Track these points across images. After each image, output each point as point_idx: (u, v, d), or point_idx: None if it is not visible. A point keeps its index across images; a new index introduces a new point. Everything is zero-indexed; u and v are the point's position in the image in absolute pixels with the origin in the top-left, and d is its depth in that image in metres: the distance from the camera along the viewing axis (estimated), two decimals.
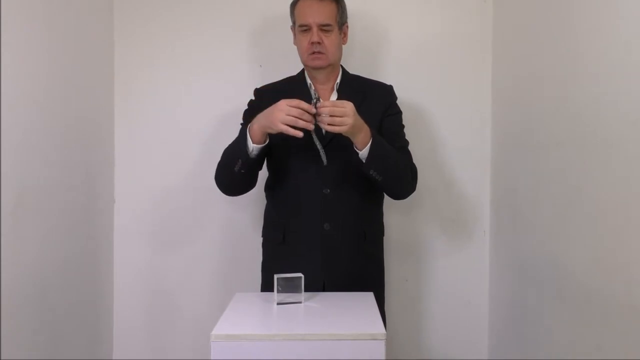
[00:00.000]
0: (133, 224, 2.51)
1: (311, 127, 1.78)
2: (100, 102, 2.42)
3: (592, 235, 1.64)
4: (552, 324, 1.90)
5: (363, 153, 1.86)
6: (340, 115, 1.76)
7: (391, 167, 1.92)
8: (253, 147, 1.87)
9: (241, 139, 1.90)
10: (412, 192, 2.07)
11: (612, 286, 1.53)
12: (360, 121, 1.82)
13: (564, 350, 1.81)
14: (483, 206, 2.53)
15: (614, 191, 1.53)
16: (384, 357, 1.47)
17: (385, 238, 2.18)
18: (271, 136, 1.88)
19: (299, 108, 1.76)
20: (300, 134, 1.77)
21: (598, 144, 1.61)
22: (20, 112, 1.82)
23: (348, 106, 1.78)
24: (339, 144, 1.96)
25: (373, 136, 1.86)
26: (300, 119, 1.76)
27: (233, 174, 1.92)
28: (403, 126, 2.13)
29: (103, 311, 2.46)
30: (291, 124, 1.76)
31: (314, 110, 1.77)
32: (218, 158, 2.02)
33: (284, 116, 1.76)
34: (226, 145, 1.99)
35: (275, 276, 1.73)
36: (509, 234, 2.32)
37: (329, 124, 1.77)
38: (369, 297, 1.81)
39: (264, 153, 1.93)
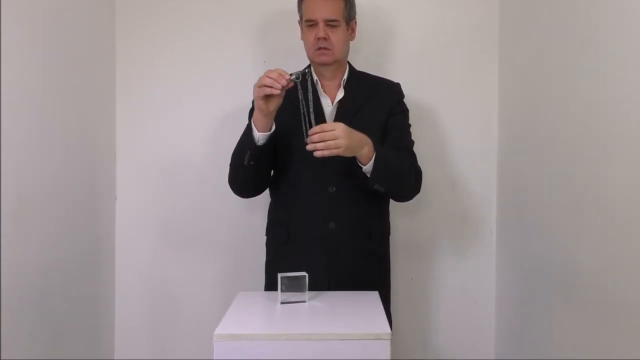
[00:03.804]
0: (135, 222, 2.50)
1: (278, 86, 1.74)
2: (102, 100, 2.41)
3: (600, 234, 1.62)
4: (560, 324, 1.88)
5: (367, 168, 1.84)
6: (331, 138, 1.74)
7: (395, 177, 1.91)
8: (259, 135, 1.85)
9: (247, 130, 1.89)
10: (416, 194, 2.05)
11: (621, 286, 1.51)
12: (358, 138, 1.80)
13: (572, 351, 1.79)
14: (490, 205, 2.51)
15: (622, 189, 1.51)
16: (389, 357, 1.45)
17: (391, 237, 2.16)
18: (276, 133, 1.87)
19: (274, 74, 1.76)
20: (272, 91, 1.75)
21: (606, 141, 1.59)
22: (21, 111, 1.81)
23: (338, 127, 1.76)
24: None
25: (377, 150, 1.84)
26: (271, 78, 1.75)
27: (244, 168, 1.90)
28: (409, 125, 2.10)
29: (104, 310, 2.45)
30: (259, 84, 1.76)
31: (283, 82, 1.75)
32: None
33: (261, 77, 1.77)
34: (232, 145, 1.98)
35: (279, 275, 1.71)
36: (516, 233, 2.30)
37: (323, 149, 1.74)
38: (374, 297, 1.79)
39: (273, 144, 1.90)
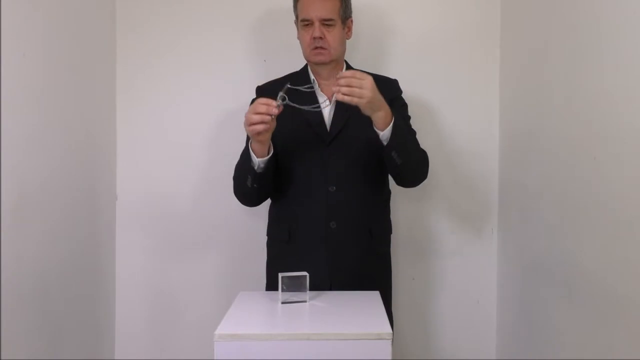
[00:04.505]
0: (135, 221, 2.49)
1: (267, 119, 1.72)
2: (102, 99, 2.40)
3: (602, 233, 1.61)
4: (562, 324, 1.87)
5: (385, 134, 1.81)
6: (357, 86, 1.71)
7: (411, 151, 1.90)
8: (258, 161, 1.84)
9: (246, 155, 1.88)
10: (424, 180, 2.03)
11: (623, 285, 1.50)
12: (381, 99, 1.77)
13: (574, 351, 1.78)
14: (491, 203, 2.50)
15: (625, 187, 1.50)
16: (390, 357, 1.45)
17: (392, 236, 2.15)
18: (275, 138, 1.86)
19: (262, 108, 1.73)
20: (265, 127, 1.73)
21: (608, 139, 1.58)
22: (21, 110, 1.80)
23: (367, 79, 1.73)
24: (345, 140, 1.94)
25: (395, 117, 1.82)
26: (261, 113, 1.72)
27: (247, 189, 1.91)
28: (409, 117, 2.10)
29: (105, 310, 2.44)
30: (248, 123, 1.74)
31: (275, 111, 1.72)
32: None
33: (249, 116, 1.74)
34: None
35: (280, 275, 1.71)
36: (517, 232, 2.29)
37: (346, 94, 1.71)
38: (375, 296, 1.78)
39: (274, 163, 1.90)
